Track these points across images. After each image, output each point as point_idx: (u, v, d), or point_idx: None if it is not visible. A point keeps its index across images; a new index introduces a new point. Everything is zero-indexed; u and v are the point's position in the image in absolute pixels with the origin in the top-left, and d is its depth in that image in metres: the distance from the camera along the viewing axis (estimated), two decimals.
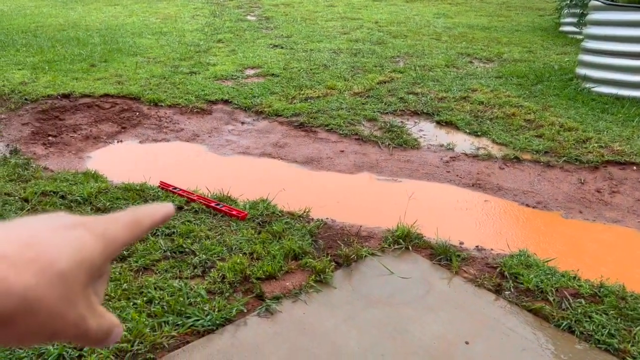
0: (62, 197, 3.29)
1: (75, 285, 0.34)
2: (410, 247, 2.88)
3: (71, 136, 4.46)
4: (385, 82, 5.83)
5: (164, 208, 0.45)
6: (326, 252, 2.83)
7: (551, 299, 2.43)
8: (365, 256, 2.80)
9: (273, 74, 6.10)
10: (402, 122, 4.77)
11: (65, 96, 5.29)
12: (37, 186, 3.39)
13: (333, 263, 2.73)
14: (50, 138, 4.40)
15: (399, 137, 4.40)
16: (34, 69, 6.18)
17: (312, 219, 3.16)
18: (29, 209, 3.14)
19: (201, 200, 3.24)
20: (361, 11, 10.85)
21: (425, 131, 4.60)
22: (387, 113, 4.95)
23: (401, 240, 2.91)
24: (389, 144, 4.30)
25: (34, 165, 3.80)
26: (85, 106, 5.11)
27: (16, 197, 3.28)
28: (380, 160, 4.06)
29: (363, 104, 5.17)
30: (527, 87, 5.64)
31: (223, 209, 3.16)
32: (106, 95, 5.33)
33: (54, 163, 3.93)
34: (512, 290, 2.52)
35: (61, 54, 6.93)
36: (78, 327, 0.34)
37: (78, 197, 3.26)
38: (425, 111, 4.98)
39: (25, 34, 8.34)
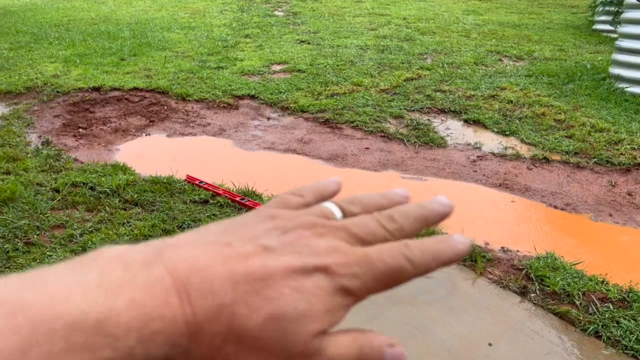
0: (92, 188, 3.36)
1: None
2: None
3: (101, 129, 4.55)
4: (412, 79, 5.78)
5: (452, 249, 0.33)
6: None
7: (578, 302, 2.39)
8: None
9: (299, 70, 6.11)
10: (428, 120, 4.73)
11: (96, 89, 5.40)
12: (67, 177, 3.47)
13: None
14: (80, 130, 4.50)
15: (425, 135, 4.36)
16: (65, 62, 6.32)
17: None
18: (59, 199, 3.22)
19: (226, 195, 3.27)
20: (389, 7, 10.76)
21: (452, 129, 4.55)
22: (413, 110, 4.91)
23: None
24: (414, 142, 4.27)
25: (64, 157, 3.89)
26: (114, 99, 5.20)
27: (47, 188, 3.36)
28: (405, 158, 4.03)
29: (389, 101, 5.14)
30: (557, 87, 5.53)
31: (247, 203, 3.18)
32: (135, 88, 5.42)
33: (84, 155, 4.01)
34: (538, 292, 2.49)
35: (92, 47, 7.06)
36: None
37: (107, 189, 3.33)
38: (452, 109, 4.92)
39: (57, 27, 8.53)
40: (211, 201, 3.25)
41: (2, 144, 4.02)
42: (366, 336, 0.31)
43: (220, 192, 3.30)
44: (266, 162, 4.01)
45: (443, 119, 4.78)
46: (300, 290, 0.28)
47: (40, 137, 4.28)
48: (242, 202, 3.20)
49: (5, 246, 2.72)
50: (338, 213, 0.34)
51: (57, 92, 5.26)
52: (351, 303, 0.31)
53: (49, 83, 5.48)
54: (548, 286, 2.50)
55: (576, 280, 2.53)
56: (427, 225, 0.36)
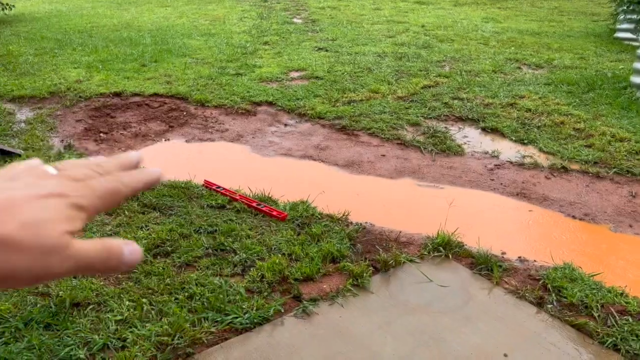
0: None
1: (45, 228, 0.38)
2: (450, 256, 2.84)
3: (121, 133, 4.63)
4: (430, 87, 5.78)
5: (149, 176, 0.48)
6: (364, 257, 2.84)
7: (596, 314, 2.36)
8: (404, 262, 2.78)
9: (317, 77, 6.15)
10: (446, 127, 4.71)
11: (117, 94, 5.50)
12: None
13: (371, 268, 2.73)
14: (101, 135, 4.58)
15: (442, 142, 4.35)
16: (88, 67, 6.45)
17: (351, 223, 3.17)
18: None
19: (243, 200, 3.30)
20: (408, 15, 10.77)
21: (470, 137, 4.53)
22: (430, 118, 4.91)
23: (441, 248, 2.88)
24: (431, 150, 4.26)
25: None
26: (135, 105, 5.29)
27: None
28: (422, 166, 4.02)
29: (406, 108, 5.14)
30: (577, 95, 5.47)
31: (264, 209, 3.21)
32: (155, 94, 5.50)
33: None
34: (555, 303, 2.46)
35: (114, 53, 7.20)
36: (66, 258, 0.39)
37: None
38: (470, 117, 4.90)
39: (81, 33, 8.70)
40: (228, 206, 3.28)
41: (26, 148, 4.11)
42: (109, 239, 0.43)
43: (237, 197, 3.33)
44: (283, 168, 4.04)
45: (460, 126, 4.76)
46: (43, 207, 0.39)
47: (62, 141, 4.37)
48: (258, 207, 3.22)
49: None
50: (53, 171, 0.44)
51: (80, 97, 5.37)
52: (85, 216, 0.41)
53: (72, 88, 5.60)
54: (565, 297, 2.48)
55: (594, 291, 2.50)
56: (125, 168, 0.48)
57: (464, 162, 4.08)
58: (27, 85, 5.65)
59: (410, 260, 2.81)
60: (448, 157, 4.16)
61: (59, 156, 3.99)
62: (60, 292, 2.45)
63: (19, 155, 3.89)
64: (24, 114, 4.99)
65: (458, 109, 5.07)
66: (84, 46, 7.67)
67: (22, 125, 4.68)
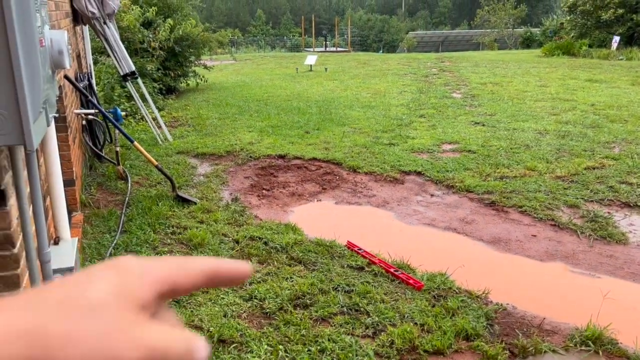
0: (265, 243, 3.77)
1: (116, 311, 0.31)
2: (600, 352, 2.59)
3: (280, 191, 5.09)
4: (594, 168, 5.39)
5: (243, 271, 0.38)
6: (501, 339, 2.72)
7: None
8: (545, 352, 2.61)
9: (470, 150, 6.13)
10: (608, 212, 4.34)
11: (281, 157, 6.09)
12: (247, 231, 3.96)
13: (507, 352, 2.61)
14: (264, 191, 5.10)
15: (603, 228, 4.01)
16: (260, 132, 7.26)
17: (491, 302, 3.07)
18: (237, 250, 3.68)
19: (381, 264, 3.40)
20: (576, 92, 10.24)
21: (637, 226, 4.11)
22: (591, 201, 4.56)
23: (590, 342, 2.64)
24: (589, 235, 3.95)
25: (247, 213, 4.44)
26: (295, 167, 5.80)
27: (230, 238, 3.87)
28: (577, 251, 3.75)
29: (565, 188, 4.85)
30: None
31: (401, 275, 3.26)
32: (314, 158, 5.98)
33: (263, 213, 4.53)
34: None
35: (284, 120, 8.00)
36: (137, 347, 0.30)
37: (277, 245, 3.71)
38: (639, 204, 4.45)
39: (258, 102, 9.85)
40: (366, 268, 3.41)
41: (201, 197, 4.75)
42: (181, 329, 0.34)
43: (376, 261, 3.45)
44: (424, 238, 4.07)
45: (627, 213, 4.34)
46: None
47: (231, 194, 4.96)
48: (395, 273, 3.29)
49: None
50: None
51: (250, 157, 6.06)
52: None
53: (244, 149, 6.34)
54: None
55: None
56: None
57: (628, 251, 3.70)
58: (209, 144, 6.54)
59: (553, 351, 2.62)
60: (609, 245, 3.81)
61: (226, 207, 4.53)
62: (211, 328, 2.76)
63: (195, 203, 4.51)
64: (204, 168, 5.78)
65: (625, 194, 4.65)
66: (259, 113, 8.67)
67: (201, 178, 5.41)
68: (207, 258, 0.37)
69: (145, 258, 0.35)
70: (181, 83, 11.39)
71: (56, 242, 2.49)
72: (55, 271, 2.17)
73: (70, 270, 2.24)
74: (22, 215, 1.74)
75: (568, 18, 23.46)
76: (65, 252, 2.37)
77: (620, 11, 20.16)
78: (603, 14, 20.61)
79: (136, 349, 0.29)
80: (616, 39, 18.81)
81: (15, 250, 1.76)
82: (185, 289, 0.36)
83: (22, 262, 1.81)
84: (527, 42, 29.37)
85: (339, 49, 36.18)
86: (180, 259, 0.36)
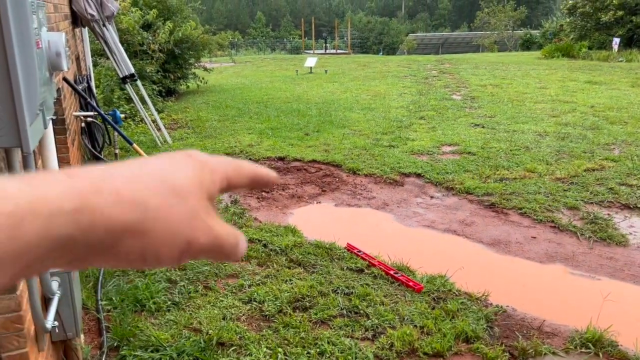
0: (264, 245, 3.76)
1: (197, 200, 0.35)
2: (600, 354, 2.58)
3: (280, 194, 5.09)
4: (593, 170, 5.39)
5: (273, 178, 0.43)
6: (501, 341, 2.71)
7: None
8: (545, 354, 2.60)
9: (469, 152, 6.13)
10: (608, 214, 4.33)
11: (281, 159, 6.08)
12: (246, 233, 3.95)
13: (507, 354, 2.60)
14: (263, 194, 5.09)
15: (603, 230, 4.00)
16: (260, 134, 7.25)
17: (491, 304, 3.06)
18: None
19: (381, 267, 3.39)
20: (576, 94, 10.24)
21: (637, 228, 4.10)
22: (591, 203, 4.56)
23: (590, 345, 2.63)
24: (589, 237, 3.94)
25: (247, 215, 4.43)
26: (295, 169, 5.80)
27: None
28: (577, 253, 3.74)
29: (564, 190, 4.84)
30: None
31: (400, 278, 3.26)
32: (314, 160, 5.97)
33: (262, 215, 4.52)
34: None
35: (283, 122, 8.00)
36: (209, 235, 0.35)
37: (277, 247, 3.70)
38: (639, 206, 4.44)
39: (258, 104, 9.85)
40: (366, 271, 3.40)
41: None
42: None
43: (376, 263, 3.44)
44: (424, 240, 4.06)
45: (627, 215, 4.34)
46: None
47: (230, 196, 4.95)
48: (395, 275, 3.28)
49: (188, 287, 3.19)
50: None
51: (250, 159, 6.05)
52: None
53: (244, 151, 6.34)
54: None
55: None
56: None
57: (628, 253, 3.69)
58: (209, 146, 6.54)
59: (553, 353, 2.60)
60: (609, 247, 3.81)
61: (226, 209, 4.52)
62: (210, 330, 2.75)
63: None
64: None
65: (625, 196, 4.64)
66: (259, 115, 8.66)
67: None
68: (251, 164, 0.42)
69: (209, 155, 0.39)
70: (181, 85, 11.39)
71: None
72: (53, 274, 2.16)
73: (67, 273, 2.23)
74: None
75: (568, 20, 23.50)
76: None
77: (620, 13, 20.18)
78: (603, 16, 20.64)
79: (208, 235, 0.35)
80: (616, 40, 18.83)
81: None
82: (235, 187, 0.40)
83: None
84: (527, 44, 29.41)
85: (338, 51, 36.23)
86: (234, 161, 0.40)
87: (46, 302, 2.16)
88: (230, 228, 0.37)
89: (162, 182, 0.34)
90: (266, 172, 0.42)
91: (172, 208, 0.33)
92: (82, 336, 2.57)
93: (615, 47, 18.54)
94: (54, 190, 0.30)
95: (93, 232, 0.30)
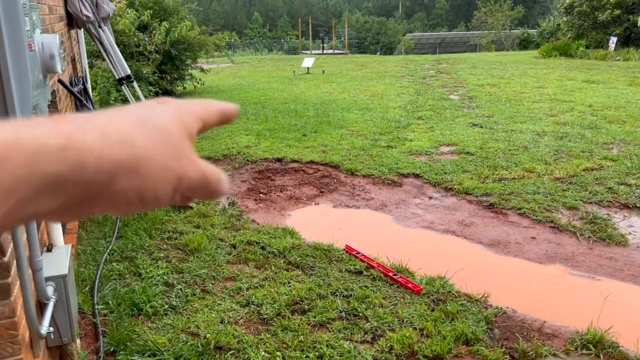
0: (262, 247, 3.74)
1: (181, 138, 0.36)
2: (601, 356, 2.56)
3: (278, 195, 5.06)
4: (592, 170, 5.37)
5: (234, 110, 0.44)
6: (501, 343, 2.69)
7: None
8: (546, 356, 2.58)
9: (468, 152, 6.11)
10: (608, 214, 4.32)
11: (278, 160, 6.06)
12: (244, 235, 3.92)
13: (507, 356, 2.58)
14: (261, 195, 5.06)
15: (602, 230, 3.99)
16: (257, 135, 7.22)
17: (490, 305, 3.04)
18: (234, 255, 3.65)
19: (380, 268, 3.37)
20: (574, 94, 10.24)
21: (636, 228, 4.08)
22: (590, 203, 4.54)
23: (591, 346, 2.61)
24: (589, 237, 3.92)
25: (245, 217, 4.40)
26: (293, 170, 5.77)
27: (227, 243, 3.84)
28: (576, 254, 3.72)
29: (564, 190, 4.83)
30: None
31: (400, 280, 3.23)
32: (311, 162, 5.94)
33: (260, 217, 4.50)
34: None
35: (281, 123, 7.97)
36: (197, 171, 0.36)
37: (275, 250, 3.68)
38: (638, 205, 4.43)
39: (255, 105, 9.82)
40: (365, 273, 3.37)
41: (198, 202, 4.71)
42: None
43: (375, 265, 3.41)
44: (423, 241, 4.04)
45: (626, 215, 4.32)
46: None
47: (227, 198, 4.92)
48: (394, 277, 3.26)
49: (186, 290, 3.16)
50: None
51: (247, 160, 6.03)
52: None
53: (241, 152, 6.31)
54: None
55: None
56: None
57: (628, 253, 3.68)
58: (206, 148, 6.51)
59: (554, 355, 2.59)
60: (608, 247, 3.79)
61: (223, 211, 4.49)
62: (208, 335, 2.72)
63: (191, 208, 4.47)
64: None
65: (624, 196, 4.63)
66: (257, 116, 8.63)
67: None
68: (215, 101, 0.43)
69: (180, 100, 0.40)
70: (178, 86, 11.35)
71: (49, 249, 2.45)
72: (48, 279, 2.13)
73: (63, 277, 2.20)
74: None
75: (565, 19, 23.52)
76: (58, 260, 2.33)
77: (617, 12, 20.20)
78: (600, 15, 20.66)
79: (196, 171, 0.36)
80: (613, 39, 18.85)
81: (6, 259, 1.72)
82: (208, 126, 0.41)
83: (13, 270, 1.77)
84: (524, 44, 29.42)
85: (336, 51, 36.22)
86: (202, 101, 0.42)
87: (41, 307, 2.13)
88: (212, 166, 0.38)
89: (145, 122, 0.35)
90: (229, 106, 0.44)
91: (160, 145, 0.34)
92: (78, 341, 2.54)
93: (613, 46, 18.56)
94: (39, 130, 0.30)
95: (83, 170, 0.30)
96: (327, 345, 2.63)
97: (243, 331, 2.77)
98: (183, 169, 0.35)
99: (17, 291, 1.82)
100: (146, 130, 0.34)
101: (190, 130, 0.38)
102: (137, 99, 6.66)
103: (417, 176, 5.39)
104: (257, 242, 3.81)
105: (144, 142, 0.33)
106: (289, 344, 2.66)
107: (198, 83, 11.51)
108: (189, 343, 2.66)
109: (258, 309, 2.96)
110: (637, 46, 19.13)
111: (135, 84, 6.38)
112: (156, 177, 0.33)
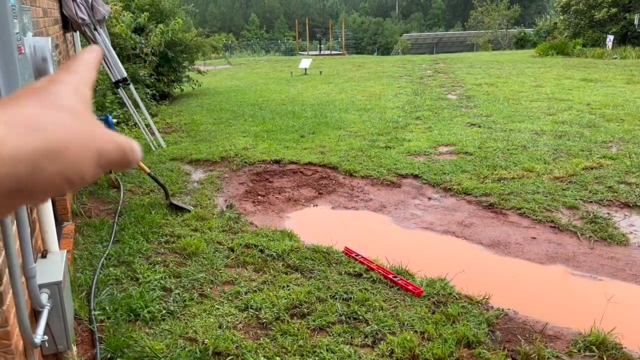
0: (261, 250, 3.70)
1: (89, 114, 0.37)
2: (604, 357, 2.54)
3: (276, 197, 5.02)
4: (592, 169, 5.35)
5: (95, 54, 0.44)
6: (503, 346, 2.66)
7: None
8: (548, 358, 2.55)
9: (466, 152, 6.08)
10: (608, 213, 4.29)
11: (277, 162, 6.02)
12: (242, 238, 3.89)
13: (509, 359, 2.55)
14: (259, 197, 5.02)
15: (603, 229, 3.96)
16: (255, 136, 7.19)
17: (492, 307, 3.01)
18: (233, 258, 3.61)
19: (380, 271, 3.33)
20: (572, 92, 10.22)
21: (637, 227, 4.06)
22: (590, 202, 4.51)
23: (594, 348, 2.58)
24: (590, 237, 3.90)
25: (243, 220, 4.36)
26: (291, 172, 5.73)
27: (225, 246, 3.80)
28: (577, 254, 3.69)
29: (563, 189, 4.80)
30: None
31: (400, 282, 3.20)
32: (310, 163, 5.91)
33: (259, 219, 4.46)
34: None
35: (278, 125, 7.94)
36: (113, 143, 0.37)
37: (273, 253, 3.64)
38: (638, 204, 4.40)
39: (253, 106, 9.78)
40: (365, 275, 3.34)
41: (195, 205, 4.68)
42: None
43: (374, 267, 3.38)
44: (422, 242, 4.01)
45: (627, 214, 4.30)
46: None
47: (225, 200, 4.89)
48: (394, 280, 3.23)
49: (183, 295, 3.12)
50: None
51: (245, 162, 5.99)
52: None
53: (239, 154, 6.27)
54: None
55: None
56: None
57: (629, 253, 3.65)
58: (203, 150, 6.47)
59: (557, 357, 2.56)
60: (609, 247, 3.76)
61: (221, 214, 4.45)
62: (206, 340, 2.68)
63: (189, 211, 4.43)
64: (198, 175, 5.71)
65: (624, 194, 4.60)
66: (254, 117, 8.60)
67: (195, 184, 5.34)
68: (83, 60, 0.42)
69: (66, 74, 0.39)
70: (175, 88, 11.31)
71: (44, 256, 2.41)
72: (42, 286, 2.09)
73: (57, 284, 2.16)
74: (4, 231, 1.67)
75: (561, 18, 23.52)
76: (53, 266, 2.29)
77: (614, 10, 20.21)
78: (596, 13, 20.66)
79: (113, 143, 0.37)
80: (610, 37, 18.85)
81: None
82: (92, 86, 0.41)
83: (5, 279, 1.74)
84: (521, 43, 29.43)
85: (333, 52, 36.20)
86: (82, 67, 0.41)
87: (36, 315, 2.10)
88: (122, 135, 0.39)
89: (50, 105, 0.34)
90: (95, 53, 0.44)
91: (73, 125, 0.34)
92: (74, 348, 2.50)
93: (610, 44, 18.56)
94: None
95: None
96: (327, 350, 2.60)
97: (242, 336, 2.73)
98: (100, 144, 0.35)
99: (9, 300, 1.78)
100: (54, 114, 0.34)
101: (89, 101, 0.38)
102: (134, 101, 6.63)
103: (415, 177, 5.36)
104: (255, 245, 3.77)
105: (57, 126, 0.33)
106: (289, 348, 2.62)
107: (195, 85, 11.47)
108: (187, 349, 2.62)
109: (257, 313, 2.92)
110: (634, 44, 19.14)
111: (131, 86, 6.34)
112: (78, 157, 0.33)
